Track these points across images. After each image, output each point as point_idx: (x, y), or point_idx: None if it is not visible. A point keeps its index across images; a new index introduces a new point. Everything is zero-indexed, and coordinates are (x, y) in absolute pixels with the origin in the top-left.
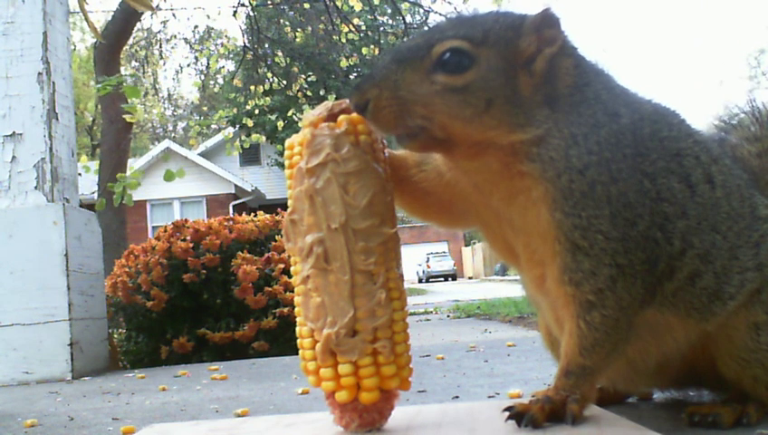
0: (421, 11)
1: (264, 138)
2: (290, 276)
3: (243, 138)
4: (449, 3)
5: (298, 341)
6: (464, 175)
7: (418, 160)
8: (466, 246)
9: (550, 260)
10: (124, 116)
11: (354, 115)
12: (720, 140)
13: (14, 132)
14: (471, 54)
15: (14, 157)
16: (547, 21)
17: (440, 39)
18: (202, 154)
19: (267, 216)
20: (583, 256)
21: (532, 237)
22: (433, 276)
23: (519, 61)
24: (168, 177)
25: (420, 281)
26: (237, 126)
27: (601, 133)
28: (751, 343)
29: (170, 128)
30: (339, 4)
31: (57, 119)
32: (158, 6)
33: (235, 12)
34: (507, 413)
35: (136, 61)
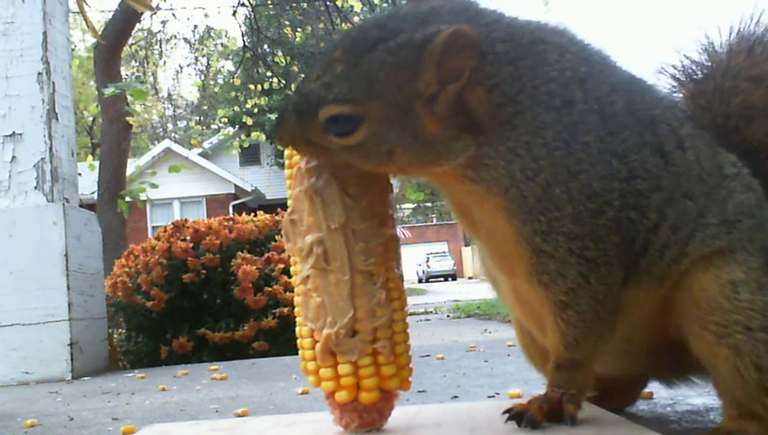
0: None
1: (263, 137)
2: (290, 276)
3: (242, 137)
4: None
5: (298, 341)
6: None
7: None
8: (466, 246)
9: (516, 261)
10: (127, 118)
11: None
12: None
13: (13, 132)
14: (355, 117)
15: (13, 157)
16: (452, 48)
17: (323, 99)
18: (202, 154)
19: (267, 216)
20: (548, 259)
21: (494, 236)
22: (433, 276)
23: (419, 102)
24: (174, 169)
25: (420, 281)
26: (237, 126)
27: (547, 134)
28: (727, 302)
29: (170, 127)
30: (339, 3)
31: (57, 119)
32: (157, 6)
33: (235, 12)
34: (507, 415)
35: (136, 61)
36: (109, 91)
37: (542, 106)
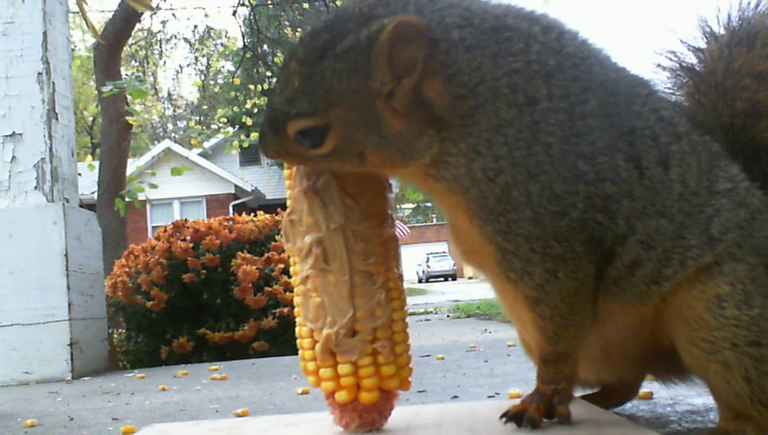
0: None
1: None
2: (290, 276)
3: (242, 137)
4: None
5: (298, 341)
6: None
7: None
8: None
9: (483, 257)
10: (126, 117)
11: None
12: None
13: (13, 132)
14: (320, 127)
15: (13, 157)
16: (398, 41)
17: (287, 116)
18: (202, 154)
19: (267, 216)
20: (512, 257)
21: (460, 231)
22: (433, 276)
23: (378, 101)
24: (176, 171)
25: (420, 281)
26: (237, 126)
27: (509, 132)
28: (713, 319)
29: (170, 127)
30: (338, 3)
31: (57, 119)
32: (157, 6)
33: (235, 12)
34: (505, 418)
35: (136, 61)
36: (107, 89)
37: (504, 101)
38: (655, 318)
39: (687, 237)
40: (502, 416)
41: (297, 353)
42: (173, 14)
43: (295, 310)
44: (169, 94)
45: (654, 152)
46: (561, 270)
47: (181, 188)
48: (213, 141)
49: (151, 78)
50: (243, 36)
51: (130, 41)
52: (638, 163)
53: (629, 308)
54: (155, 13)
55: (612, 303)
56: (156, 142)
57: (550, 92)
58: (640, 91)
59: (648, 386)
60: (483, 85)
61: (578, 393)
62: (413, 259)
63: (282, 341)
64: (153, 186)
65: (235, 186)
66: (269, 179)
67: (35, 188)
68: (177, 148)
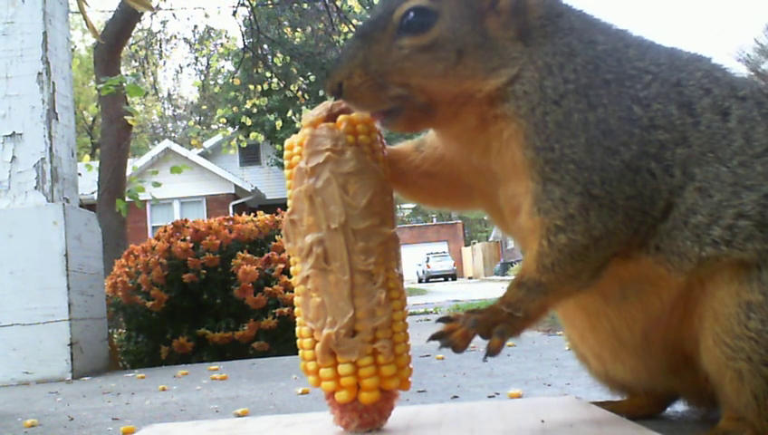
0: None
1: (262, 137)
2: (290, 276)
3: (240, 137)
4: None
5: (298, 341)
6: (448, 143)
7: (416, 145)
8: (466, 246)
9: (523, 198)
10: (126, 117)
11: (353, 115)
12: None
13: (13, 132)
14: (432, 10)
15: (13, 157)
16: None
17: (399, 2)
18: (202, 154)
19: (267, 216)
20: (554, 186)
21: (511, 183)
22: (433, 276)
23: (484, 2)
24: (176, 170)
25: (420, 281)
26: (237, 126)
27: (577, 61)
28: (737, 326)
29: (170, 127)
30: (338, 3)
31: (57, 119)
32: (157, 6)
33: (235, 12)
34: (437, 330)
35: (136, 61)
36: (103, 86)
37: (576, 35)
38: (690, 304)
39: (744, 199)
40: (439, 320)
41: (297, 353)
42: (173, 14)
43: (295, 310)
44: (169, 94)
45: (707, 100)
46: (593, 210)
47: (181, 188)
48: (213, 141)
49: (151, 78)
50: (243, 36)
51: (130, 41)
52: (690, 109)
53: (672, 269)
54: (155, 13)
55: (658, 262)
56: (156, 142)
57: (605, 41)
58: (681, 54)
59: None
60: (562, 18)
61: (606, 398)
62: (413, 259)
63: (282, 341)
64: (157, 184)
65: (235, 186)
66: (269, 179)
67: (35, 188)
68: (176, 148)
